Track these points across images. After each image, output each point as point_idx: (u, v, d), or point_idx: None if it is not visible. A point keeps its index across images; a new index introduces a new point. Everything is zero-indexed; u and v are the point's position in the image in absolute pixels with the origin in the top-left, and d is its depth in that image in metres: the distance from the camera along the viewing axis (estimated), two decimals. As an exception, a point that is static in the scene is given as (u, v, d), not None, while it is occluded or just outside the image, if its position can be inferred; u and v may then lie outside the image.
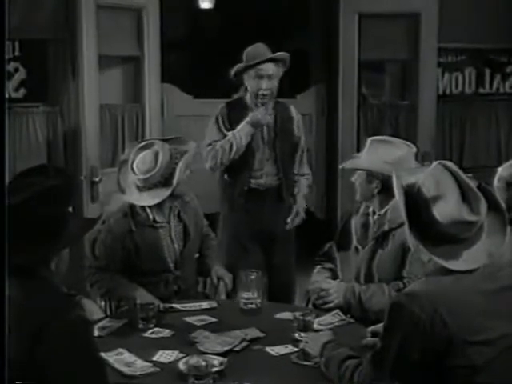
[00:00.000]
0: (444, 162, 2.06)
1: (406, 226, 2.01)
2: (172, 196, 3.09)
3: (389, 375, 1.97)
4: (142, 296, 2.95)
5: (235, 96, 4.10)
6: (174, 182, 3.03)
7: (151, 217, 3.14)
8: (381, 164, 2.83)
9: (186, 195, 3.27)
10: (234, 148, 3.78)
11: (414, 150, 2.94)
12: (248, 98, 3.91)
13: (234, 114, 3.89)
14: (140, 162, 3.05)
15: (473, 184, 2.01)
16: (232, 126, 3.86)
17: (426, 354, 1.92)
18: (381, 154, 2.87)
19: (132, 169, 3.06)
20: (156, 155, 3.03)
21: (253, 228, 3.88)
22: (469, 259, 1.97)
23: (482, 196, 2.00)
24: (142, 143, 3.15)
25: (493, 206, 2.04)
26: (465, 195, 1.98)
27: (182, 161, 3.09)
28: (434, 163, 2.06)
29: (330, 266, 3.16)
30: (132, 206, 3.12)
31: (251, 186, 3.87)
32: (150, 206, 3.11)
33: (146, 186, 3.03)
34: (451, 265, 1.97)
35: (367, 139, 3.02)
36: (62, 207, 1.92)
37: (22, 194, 1.81)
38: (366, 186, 2.92)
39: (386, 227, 2.88)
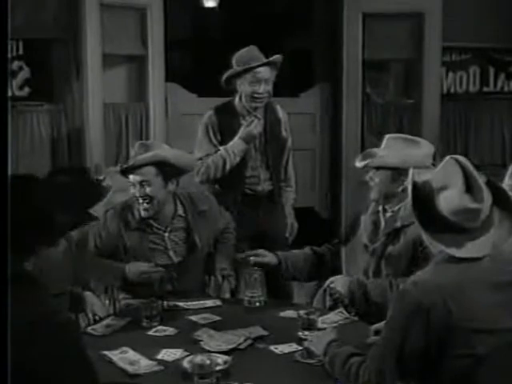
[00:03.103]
0: (456, 156, 2.07)
1: (415, 218, 2.02)
2: (176, 203, 3.17)
3: (392, 363, 1.96)
4: (133, 266, 3.01)
5: None
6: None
7: (145, 221, 3.13)
8: (411, 160, 2.71)
9: (202, 203, 3.26)
10: (228, 166, 3.69)
11: (434, 149, 2.88)
12: (237, 103, 3.78)
13: (225, 123, 3.76)
14: None
15: (480, 177, 2.02)
16: (223, 136, 3.74)
17: (429, 342, 1.92)
18: (407, 151, 2.80)
19: None
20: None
21: (247, 230, 3.78)
22: (473, 248, 1.98)
23: (491, 191, 2.01)
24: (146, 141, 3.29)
25: (503, 200, 2.04)
26: (469, 186, 1.99)
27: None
28: (447, 157, 2.07)
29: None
30: (128, 208, 3.16)
31: (245, 192, 3.81)
32: (146, 210, 3.10)
33: None
34: (455, 252, 1.97)
35: (385, 136, 2.90)
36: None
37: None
38: (389, 184, 2.84)
39: (398, 224, 2.84)
